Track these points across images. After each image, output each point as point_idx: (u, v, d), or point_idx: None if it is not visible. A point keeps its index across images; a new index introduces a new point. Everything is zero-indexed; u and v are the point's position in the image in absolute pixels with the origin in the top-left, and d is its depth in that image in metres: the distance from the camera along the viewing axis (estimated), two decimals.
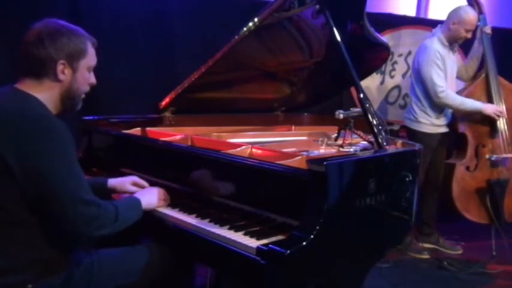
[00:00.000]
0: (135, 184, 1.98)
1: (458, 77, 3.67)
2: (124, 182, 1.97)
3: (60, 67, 1.55)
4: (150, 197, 1.83)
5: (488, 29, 3.55)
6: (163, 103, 2.57)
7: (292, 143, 2.40)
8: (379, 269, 3.10)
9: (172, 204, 1.89)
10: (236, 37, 2.19)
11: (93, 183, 1.94)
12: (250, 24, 2.16)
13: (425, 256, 3.55)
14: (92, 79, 1.68)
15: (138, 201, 1.75)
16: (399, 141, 2.31)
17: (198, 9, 3.68)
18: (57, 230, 1.52)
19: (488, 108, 3.40)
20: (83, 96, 1.69)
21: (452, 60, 3.49)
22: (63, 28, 1.58)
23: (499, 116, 3.43)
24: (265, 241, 1.53)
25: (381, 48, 2.74)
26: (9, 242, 1.49)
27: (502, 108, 3.47)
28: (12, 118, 1.46)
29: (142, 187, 1.97)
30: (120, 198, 1.89)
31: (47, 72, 1.55)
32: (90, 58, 1.64)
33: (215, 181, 1.87)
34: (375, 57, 2.82)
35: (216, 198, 1.86)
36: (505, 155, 3.50)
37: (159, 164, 2.15)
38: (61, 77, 1.57)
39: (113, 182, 1.98)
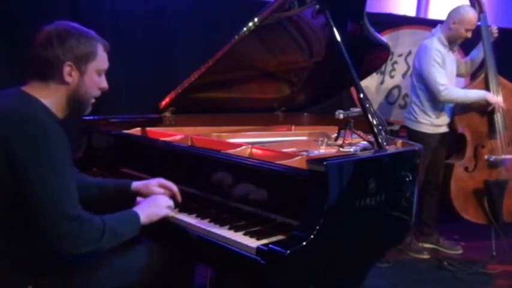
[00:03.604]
0: (161, 186, 1.88)
1: (458, 74, 3.68)
2: (149, 185, 1.88)
3: (66, 69, 1.52)
4: (153, 209, 1.71)
5: (494, 32, 3.55)
6: (163, 103, 2.57)
7: (292, 143, 2.39)
8: (379, 269, 3.11)
9: None
10: (236, 37, 2.19)
11: (117, 186, 1.92)
12: (250, 24, 2.16)
13: (425, 256, 3.55)
14: (103, 83, 1.64)
15: (135, 216, 1.64)
16: (399, 141, 2.31)
17: (198, 9, 3.68)
18: None
19: (493, 97, 3.41)
20: (93, 100, 1.64)
21: (452, 60, 3.50)
22: (72, 30, 1.55)
23: (498, 108, 3.42)
24: (265, 241, 1.53)
25: (381, 48, 2.74)
26: (8, 242, 1.48)
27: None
28: (7, 120, 1.43)
29: (169, 189, 1.88)
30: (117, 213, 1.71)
31: (53, 74, 1.52)
32: (100, 61, 1.60)
33: (215, 181, 1.87)
34: (375, 57, 2.82)
35: (216, 198, 1.85)
36: (503, 156, 3.50)
37: (159, 164, 2.15)
38: (67, 79, 1.53)
39: (137, 184, 1.89)
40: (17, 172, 1.40)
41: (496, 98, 3.43)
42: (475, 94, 3.39)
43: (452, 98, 3.35)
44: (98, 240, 1.48)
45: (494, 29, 3.57)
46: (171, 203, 1.80)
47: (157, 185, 1.88)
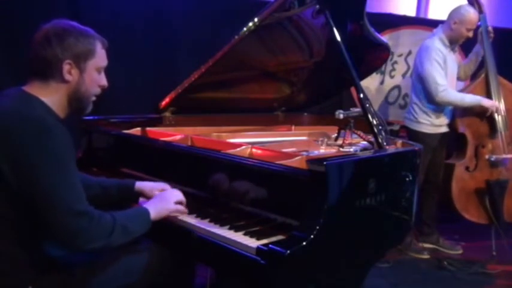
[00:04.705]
0: None
1: (457, 78, 3.67)
2: (153, 189, 1.88)
3: (66, 67, 1.52)
4: (162, 204, 1.72)
5: (490, 32, 3.55)
6: (164, 103, 2.57)
7: (292, 143, 2.39)
8: (379, 269, 3.11)
9: None
10: (236, 37, 2.19)
11: (119, 186, 1.91)
12: (250, 24, 2.16)
13: (425, 256, 3.55)
14: (103, 81, 1.64)
15: (145, 212, 1.64)
16: (399, 141, 2.31)
17: (198, 9, 3.68)
18: None
19: (488, 101, 3.41)
20: (93, 98, 1.64)
21: (453, 60, 3.50)
22: (71, 28, 1.55)
23: (496, 112, 3.42)
24: (265, 241, 1.53)
25: (381, 48, 2.74)
26: (8, 242, 1.48)
27: (501, 105, 3.48)
28: (9, 120, 1.43)
29: None
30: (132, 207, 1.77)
31: (52, 73, 1.52)
32: (99, 59, 1.60)
33: (215, 181, 1.87)
34: (375, 57, 2.82)
35: (216, 198, 1.85)
36: (504, 156, 3.50)
37: (158, 164, 2.15)
38: (67, 77, 1.53)
39: (141, 185, 1.89)
40: (21, 172, 1.41)
41: (490, 101, 3.42)
42: (471, 99, 3.38)
43: (449, 100, 3.35)
44: (108, 236, 1.48)
45: (489, 29, 3.57)
46: (181, 197, 1.79)
47: (160, 191, 1.88)
